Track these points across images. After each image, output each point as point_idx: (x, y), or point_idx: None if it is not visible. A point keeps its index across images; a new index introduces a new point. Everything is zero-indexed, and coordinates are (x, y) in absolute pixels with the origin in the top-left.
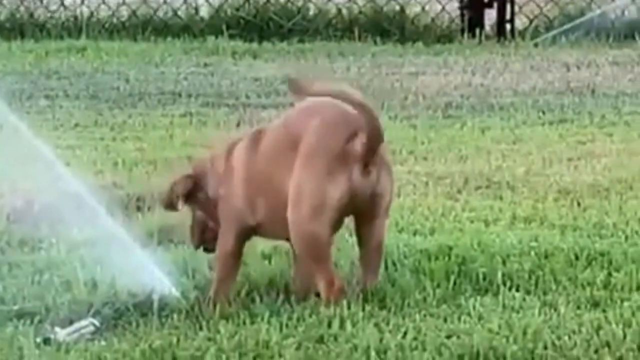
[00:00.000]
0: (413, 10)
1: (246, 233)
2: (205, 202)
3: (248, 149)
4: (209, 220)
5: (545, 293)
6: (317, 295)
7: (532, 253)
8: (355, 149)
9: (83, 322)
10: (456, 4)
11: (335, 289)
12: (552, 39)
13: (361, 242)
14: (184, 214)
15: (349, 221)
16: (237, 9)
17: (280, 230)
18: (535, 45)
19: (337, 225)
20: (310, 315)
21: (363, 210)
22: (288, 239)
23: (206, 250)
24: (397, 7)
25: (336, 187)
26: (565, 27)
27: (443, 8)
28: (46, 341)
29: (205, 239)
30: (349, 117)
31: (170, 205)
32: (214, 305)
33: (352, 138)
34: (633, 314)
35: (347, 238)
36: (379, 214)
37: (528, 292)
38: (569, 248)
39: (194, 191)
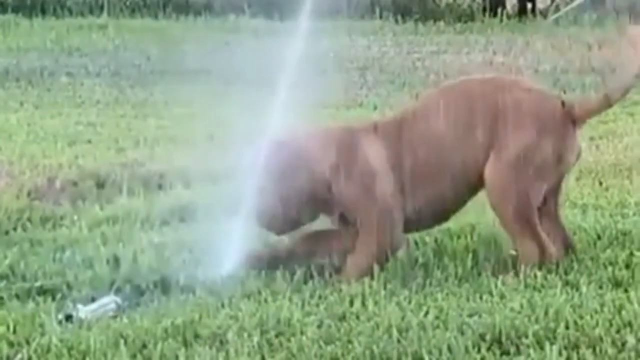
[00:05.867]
0: None
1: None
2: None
3: (388, 140)
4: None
5: (566, 272)
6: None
7: None
8: (574, 111)
9: (105, 300)
10: None
11: (547, 254)
12: (573, 18)
13: (547, 206)
14: (203, 194)
15: None
16: None
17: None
18: (557, 23)
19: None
20: (331, 293)
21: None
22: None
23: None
24: None
25: (572, 149)
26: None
27: None
28: (68, 318)
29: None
30: (539, 88)
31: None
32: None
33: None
34: None
35: None
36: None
37: (549, 272)
38: (591, 227)
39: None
